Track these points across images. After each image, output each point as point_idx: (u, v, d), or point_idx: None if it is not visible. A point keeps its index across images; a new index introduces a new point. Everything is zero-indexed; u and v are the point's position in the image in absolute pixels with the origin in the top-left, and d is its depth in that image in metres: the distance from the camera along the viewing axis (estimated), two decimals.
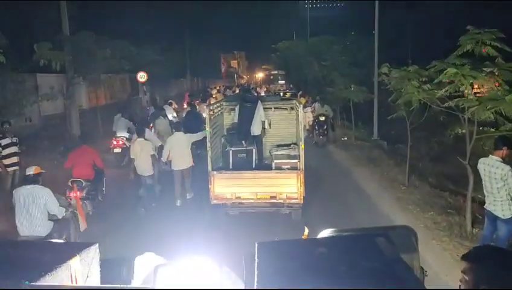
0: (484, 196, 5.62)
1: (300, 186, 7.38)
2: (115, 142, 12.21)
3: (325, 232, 1.51)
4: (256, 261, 1.18)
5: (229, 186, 7.52)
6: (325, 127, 15.33)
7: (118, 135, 12.48)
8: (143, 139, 8.84)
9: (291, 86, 34.81)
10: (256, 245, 1.21)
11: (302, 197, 7.42)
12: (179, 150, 8.93)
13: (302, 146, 7.81)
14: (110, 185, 8.95)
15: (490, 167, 5.19)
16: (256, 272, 1.13)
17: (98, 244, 1.27)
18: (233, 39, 53.84)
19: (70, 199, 6.96)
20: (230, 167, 8.11)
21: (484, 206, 5.48)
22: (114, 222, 7.72)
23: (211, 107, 8.63)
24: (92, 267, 1.28)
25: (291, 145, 8.78)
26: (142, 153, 8.58)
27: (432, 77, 7.55)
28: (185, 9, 32.97)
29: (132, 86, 25.64)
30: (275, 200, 7.46)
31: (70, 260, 1.18)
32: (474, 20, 7.05)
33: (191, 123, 11.58)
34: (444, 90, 6.34)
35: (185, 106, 17.49)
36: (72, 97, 16.66)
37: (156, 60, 22.88)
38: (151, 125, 12.21)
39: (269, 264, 1.16)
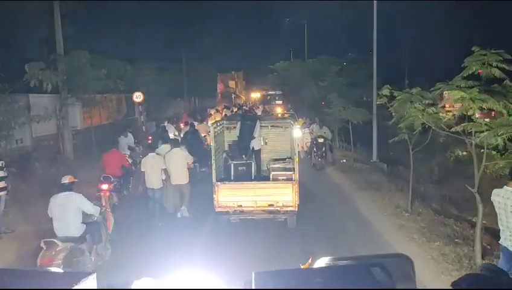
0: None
1: (295, 195, 8.15)
2: None
3: (322, 261, 1.40)
4: None
5: (232, 196, 8.30)
6: (324, 149, 14.97)
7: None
8: (155, 154, 9.40)
9: (289, 106, 34.65)
10: (253, 275, 1.19)
11: (296, 205, 8.18)
12: (176, 165, 9.32)
13: (297, 160, 8.67)
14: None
15: (505, 199, 4.76)
16: None
17: (96, 273, 1.23)
18: (230, 59, 54.31)
19: (101, 191, 8.18)
20: (232, 178, 8.92)
21: (499, 242, 5.05)
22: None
23: (214, 126, 9.37)
24: None
25: (287, 159, 9.70)
26: (154, 167, 9.11)
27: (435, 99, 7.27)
28: (182, 29, 33.14)
29: (128, 106, 25.38)
30: (272, 208, 8.23)
31: None
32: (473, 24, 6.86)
33: (190, 142, 12.04)
34: (451, 114, 6.01)
35: (182, 126, 17.32)
36: (66, 118, 16.31)
37: (153, 79, 22.70)
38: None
39: None
